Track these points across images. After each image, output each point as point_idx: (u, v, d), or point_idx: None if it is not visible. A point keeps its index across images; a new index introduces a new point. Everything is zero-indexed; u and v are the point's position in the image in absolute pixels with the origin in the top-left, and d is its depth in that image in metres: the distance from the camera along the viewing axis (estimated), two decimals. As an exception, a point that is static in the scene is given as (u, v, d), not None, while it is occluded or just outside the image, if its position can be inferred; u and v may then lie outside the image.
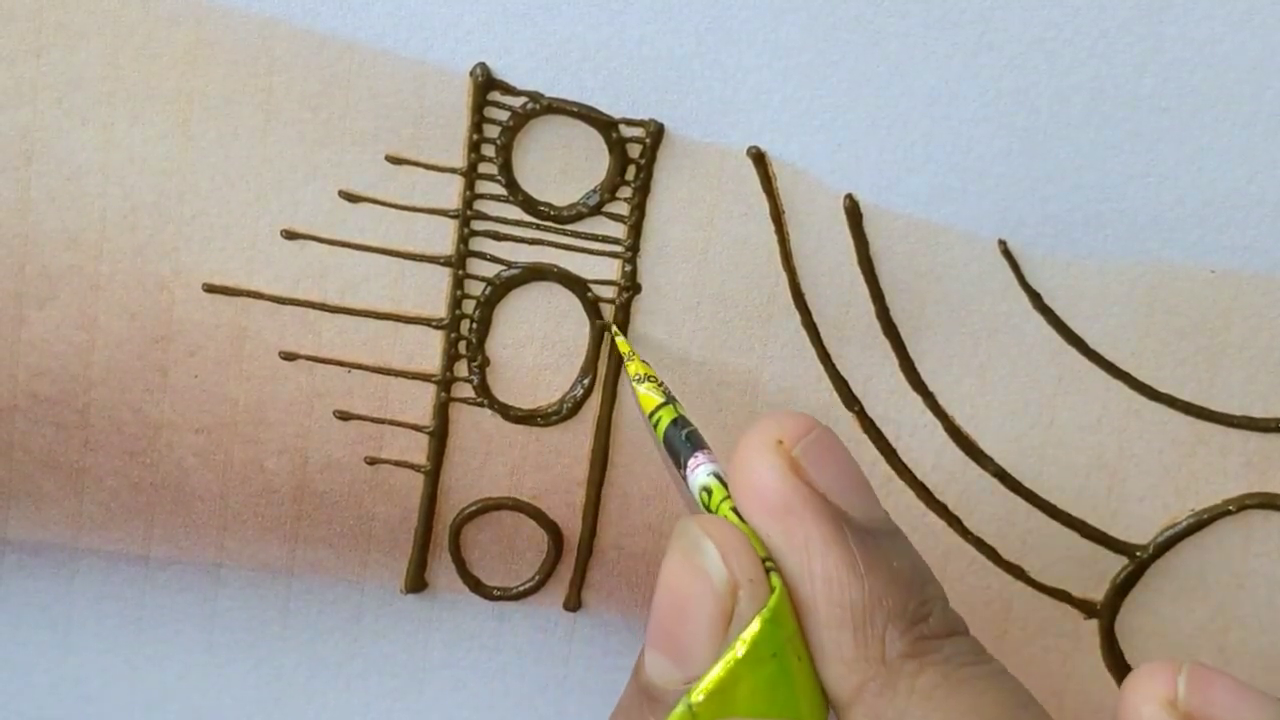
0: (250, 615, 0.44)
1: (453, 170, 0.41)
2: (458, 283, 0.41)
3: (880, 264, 0.41)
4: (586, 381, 0.42)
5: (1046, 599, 0.43)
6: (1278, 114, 0.40)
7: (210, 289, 0.41)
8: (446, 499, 0.43)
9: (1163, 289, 0.41)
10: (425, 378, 0.42)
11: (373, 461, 0.43)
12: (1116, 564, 0.43)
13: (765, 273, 0.41)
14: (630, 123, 0.40)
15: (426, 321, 0.42)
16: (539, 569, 0.44)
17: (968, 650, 0.35)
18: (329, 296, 0.41)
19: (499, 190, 0.41)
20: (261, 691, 0.45)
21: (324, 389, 0.42)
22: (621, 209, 0.41)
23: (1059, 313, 0.41)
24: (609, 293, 0.41)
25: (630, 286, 0.41)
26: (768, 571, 0.34)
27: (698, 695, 0.33)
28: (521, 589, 0.44)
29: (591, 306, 0.41)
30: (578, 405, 0.42)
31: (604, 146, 0.40)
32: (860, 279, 0.41)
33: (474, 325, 0.42)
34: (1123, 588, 0.43)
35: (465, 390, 0.42)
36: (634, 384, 0.40)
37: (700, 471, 0.37)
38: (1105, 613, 0.43)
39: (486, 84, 0.40)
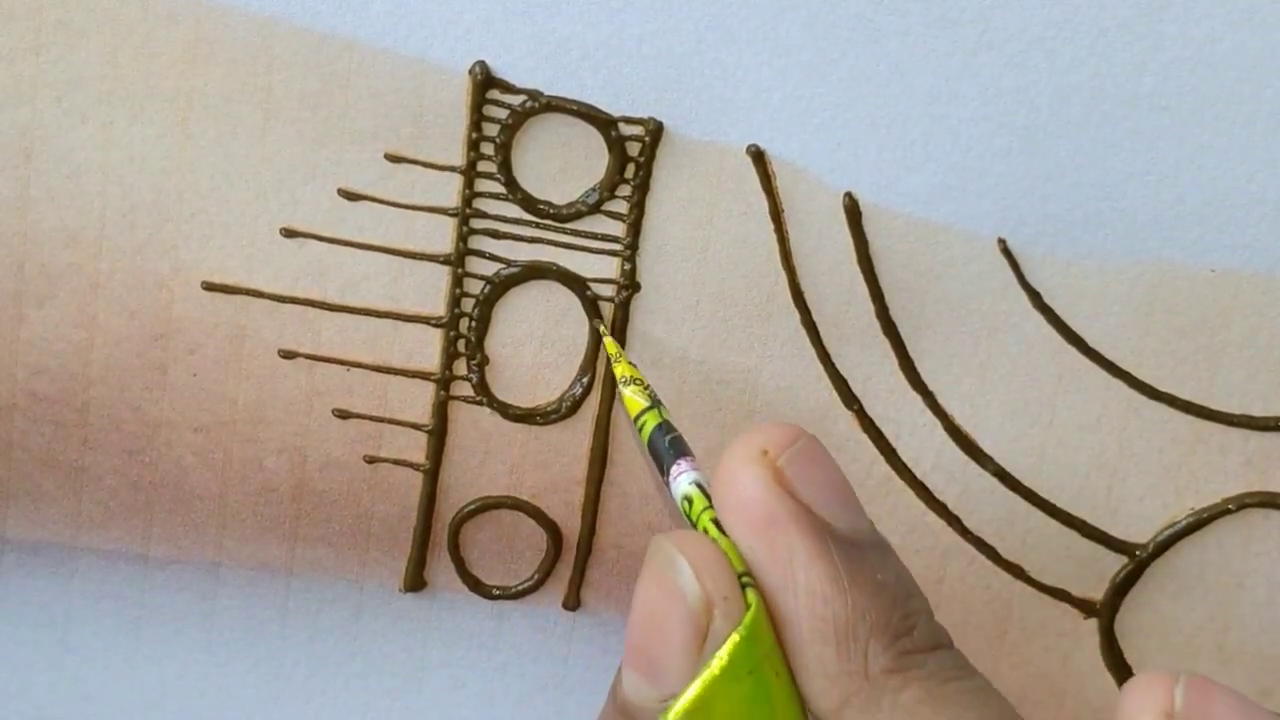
0: (249, 614, 0.44)
1: (452, 169, 0.41)
2: (457, 281, 0.41)
3: (880, 263, 0.41)
4: (586, 380, 0.42)
5: (1046, 598, 0.43)
6: (1278, 114, 0.40)
7: (209, 287, 0.41)
8: (445, 498, 0.43)
9: (1163, 288, 0.41)
10: (424, 376, 0.42)
11: (372, 460, 0.43)
12: (1116, 563, 0.43)
13: (764, 271, 0.41)
14: (630, 121, 0.40)
15: (426, 320, 0.42)
16: (538, 568, 0.44)
17: (952, 665, 0.34)
18: (328, 295, 0.41)
19: (498, 189, 0.41)
20: (260, 690, 0.45)
21: (323, 387, 0.42)
22: (621, 207, 0.41)
23: (1059, 312, 0.41)
24: (608, 291, 0.41)
25: (629, 285, 0.41)
26: (744, 587, 0.34)
27: (675, 714, 0.33)
28: (520, 588, 0.44)
29: (591, 305, 0.41)
30: (577, 404, 0.42)
31: (603, 145, 0.40)
32: (859, 278, 0.41)
33: (473, 324, 0.42)
34: (1122, 587, 0.43)
35: (464, 389, 0.42)
36: (620, 386, 0.39)
37: (683, 480, 0.36)
38: (1105, 612, 0.43)
39: (486, 82, 0.40)
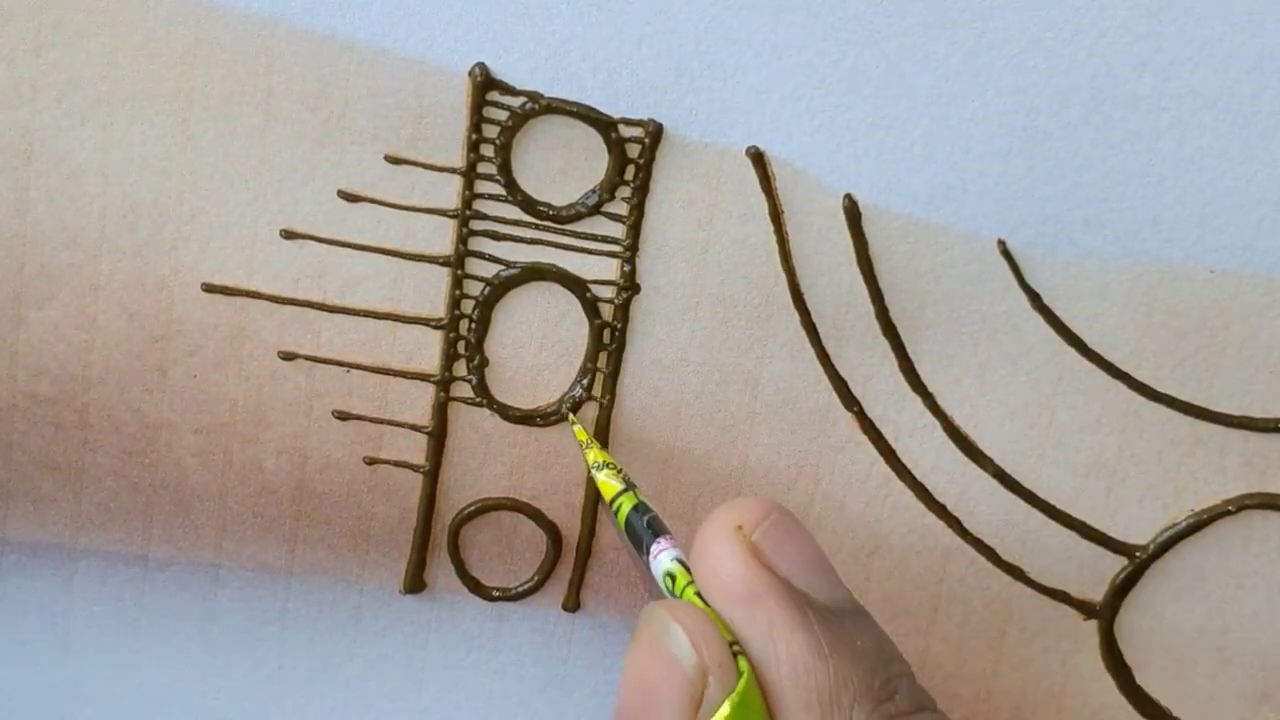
0: (249, 616, 0.44)
1: (452, 170, 0.41)
2: (457, 282, 0.41)
3: (879, 264, 0.41)
4: (586, 382, 0.42)
5: (1046, 600, 0.43)
6: (1278, 114, 0.40)
7: (209, 289, 0.41)
8: (445, 499, 0.43)
9: (1162, 289, 0.41)
10: (424, 378, 0.42)
11: (371, 462, 0.43)
12: (1116, 564, 0.43)
13: (764, 273, 0.41)
14: (629, 122, 0.40)
15: (425, 321, 0.42)
16: (538, 569, 0.44)
17: None
18: (328, 296, 0.41)
19: (498, 190, 0.41)
20: (260, 692, 0.45)
21: (323, 389, 0.42)
22: (620, 209, 0.41)
23: (1058, 313, 0.41)
24: (608, 293, 0.41)
25: (629, 286, 0.41)
26: (735, 655, 0.35)
27: None
28: (520, 589, 0.44)
29: (591, 306, 0.41)
30: (577, 405, 0.42)
31: (603, 146, 0.40)
32: (859, 279, 0.41)
33: (473, 325, 0.42)
34: (1122, 588, 0.43)
35: (464, 390, 0.42)
36: (593, 471, 0.40)
37: (664, 557, 0.37)
38: (1105, 613, 0.43)
39: (485, 84, 0.40)
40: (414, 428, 0.42)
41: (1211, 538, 0.43)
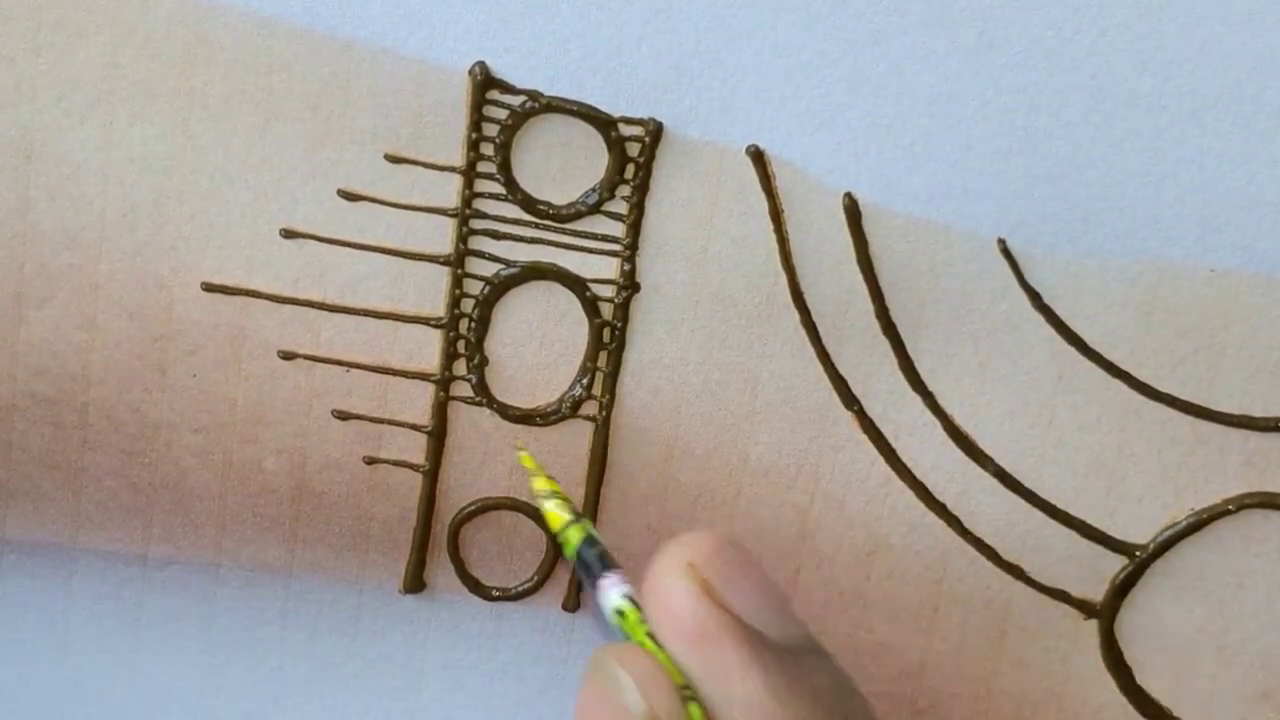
0: (249, 615, 0.44)
1: (452, 169, 0.41)
2: (457, 282, 0.41)
3: (879, 263, 0.41)
4: (585, 381, 0.42)
5: (1046, 599, 0.43)
6: (1278, 114, 0.40)
7: (209, 288, 0.41)
8: (445, 499, 0.43)
9: (1162, 288, 0.41)
10: (424, 377, 0.42)
11: (371, 461, 0.43)
12: (1116, 564, 0.43)
13: (764, 272, 0.41)
14: (629, 121, 0.40)
15: (425, 321, 0.42)
16: (538, 569, 0.44)
17: None
18: (328, 296, 0.41)
19: (498, 189, 0.41)
20: (260, 691, 0.45)
21: (323, 388, 0.42)
22: (620, 208, 0.41)
23: (1058, 312, 0.41)
24: (608, 292, 0.41)
25: (629, 285, 0.41)
26: (686, 701, 0.34)
27: None
28: (520, 589, 0.44)
29: (590, 305, 0.41)
30: (577, 405, 0.42)
31: (603, 145, 0.40)
32: (859, 278, 0.41)
33: (473, 324, 0.42)
34: (1122, 588, 0.43)
35: (464, 390, 0.42)
36: (540, 501, 0.40)
37: (613, 594, 0.37)
38: (1105, 613, 0.43)
39: (485, 83, 0.40)
40: (414, 427, 0.42)
41: (1211, 537, 0.43)
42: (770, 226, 0.41)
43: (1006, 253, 0.41)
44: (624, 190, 0.41)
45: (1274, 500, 0.43)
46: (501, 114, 0.40)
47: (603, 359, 0.42)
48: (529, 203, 0.41)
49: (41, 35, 0.39)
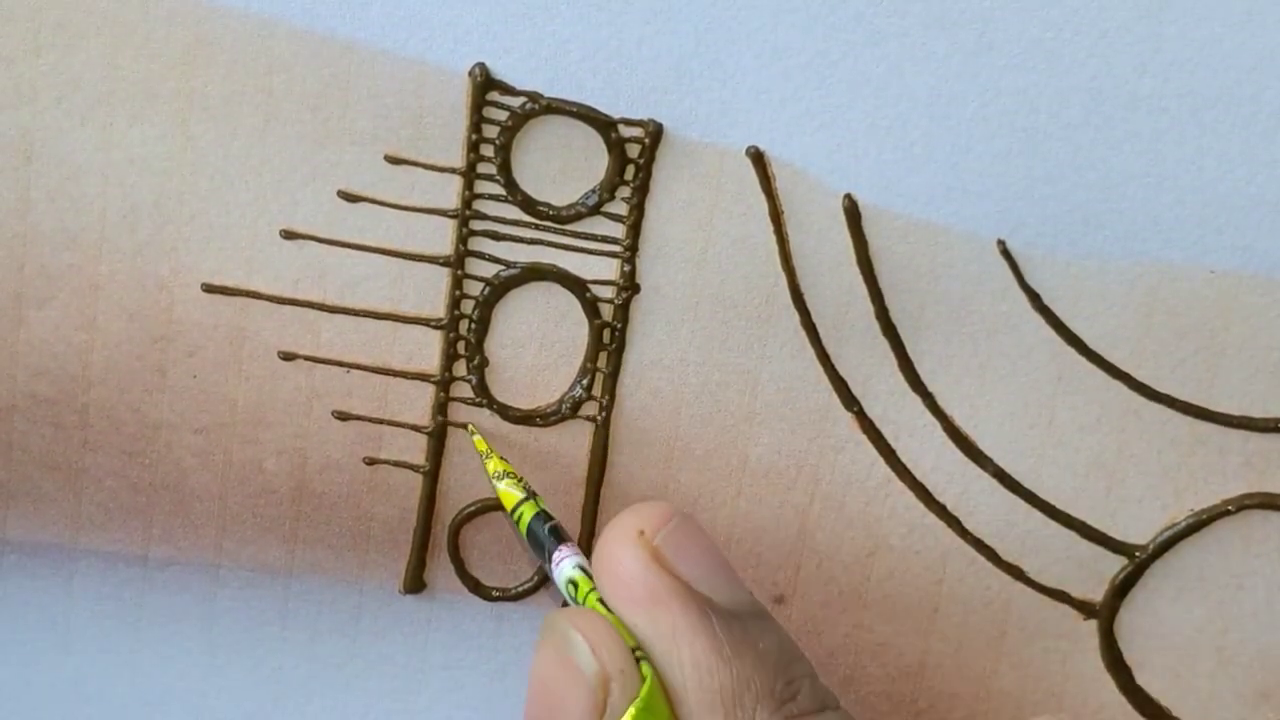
0: (249, 616, 0.44)
1: (452, 170, 0.41)
2: (457, 283, 0.41)
3: (879, 264, 0.41)
4: (585, 382, 0.42)
5: (1046, 600, 0.43)
6: (1278, 114, 0.40)
7: (209, 289, 0.41)
8: (445, 499, 0.43)
9: (1162, 289, 0.41)
10: (424, 378, 0.42)
11: (371, 462, 0.43)
12: (1116, 564, 0.43)
13: (764, 273, 0.41)
14: (629, 123, 0.40)
15: (425, 321, 0.42)
16: (538, 569, 0.44)
17: None
18: (328, 296, 0.41)
19: (498, 190, 0.41)
20: (260, 691, 0.45)
21: (323, 389, 0.42)
22: (620, 209, 0.41)
23: (1058, 313, 0.41)
24: (608, 293, 0.41)
25: (629, 286, 0.41)
26: (638, 661, 0.35)
27: None
28: (520, 589, 0.44)
29: (590, 306, 0.41)
30: (577, 405, 0.42)
31: (603, 146, 0.40)
32: (859, 279, 0.41)
33: (473, 325, 0.42)
34: (1122, 588, 0.43)
35: (464, 390, 0.42)
36: (493, 481, 0.41)
37: (566, 564, 0.38)
38: (1104, 613, 0.43)
39: (485, 84, 0.40)
40: (414, 428, 0.42)
41: (1211, 538, 0.43)
42: (770, 228, 0.41)
43: (1006, 254, 0.41)
44: (624, 191, 0.41)
45: (1274, 501, 0.43)
46: (501, 115, 0.40)
47: (603, 360, 0.42)
48: (529, 204, 0.41)
49: (41, 36, 0.39)
